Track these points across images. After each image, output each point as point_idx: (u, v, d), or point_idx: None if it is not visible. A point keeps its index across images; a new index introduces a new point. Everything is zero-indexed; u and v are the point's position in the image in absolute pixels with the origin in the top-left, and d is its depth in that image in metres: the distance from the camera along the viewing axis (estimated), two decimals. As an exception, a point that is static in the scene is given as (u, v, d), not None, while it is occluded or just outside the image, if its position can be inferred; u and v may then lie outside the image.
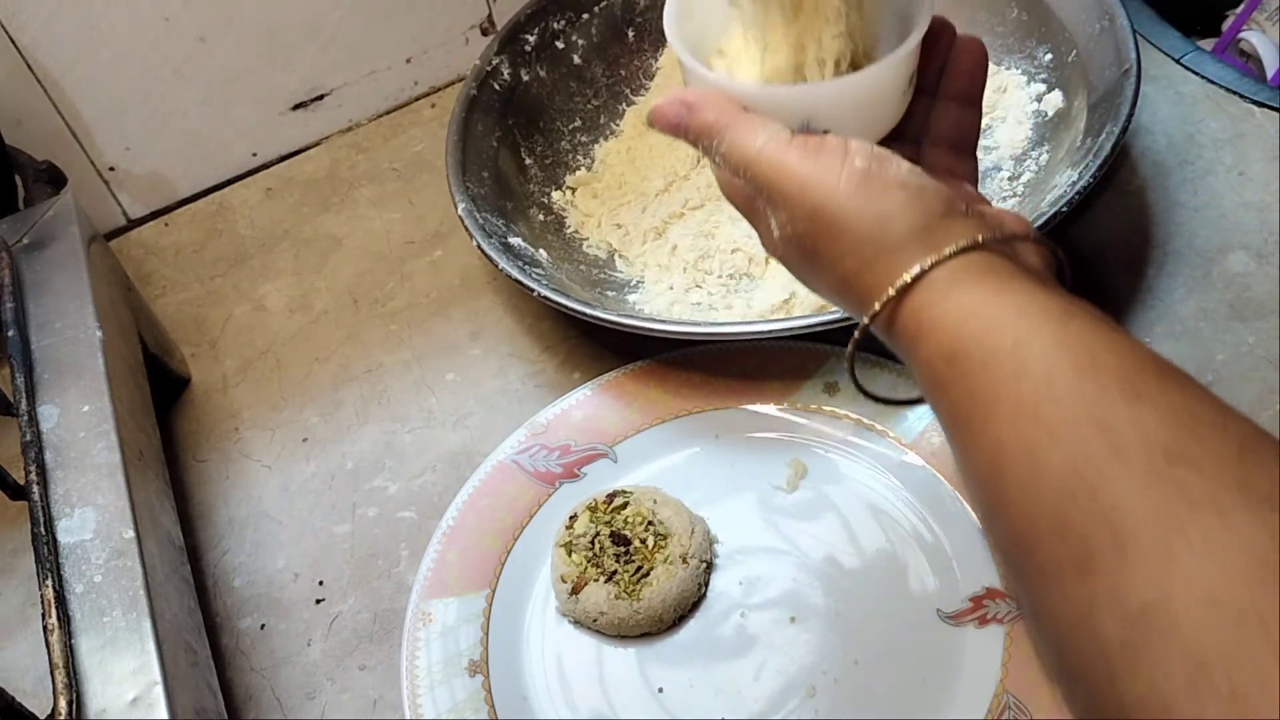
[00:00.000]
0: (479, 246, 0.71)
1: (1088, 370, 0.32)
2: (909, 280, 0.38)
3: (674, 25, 0.46)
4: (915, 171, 0.40)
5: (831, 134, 0.42)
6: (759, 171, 0.41)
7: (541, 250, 0.74)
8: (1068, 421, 0.32)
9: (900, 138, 0.46)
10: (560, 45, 0.85)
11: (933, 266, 0.38)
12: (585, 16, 0.86)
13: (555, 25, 0.85)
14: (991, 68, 0.78)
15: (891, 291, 0.38)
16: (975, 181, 0.47)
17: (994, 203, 0.71)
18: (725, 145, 0.42)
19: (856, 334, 0.41)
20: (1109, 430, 0.31)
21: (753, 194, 0.43)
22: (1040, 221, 0.62)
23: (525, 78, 0.83)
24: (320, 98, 0.91)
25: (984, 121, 0.75)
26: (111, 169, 0.87)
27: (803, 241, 0.41)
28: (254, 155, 0.92)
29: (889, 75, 0.43)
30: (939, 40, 0.44)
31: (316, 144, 0.93)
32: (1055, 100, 0.74)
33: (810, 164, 0.40)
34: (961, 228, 0.39)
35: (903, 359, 0.40)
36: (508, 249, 0.71)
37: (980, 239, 0.38)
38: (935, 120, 0.46)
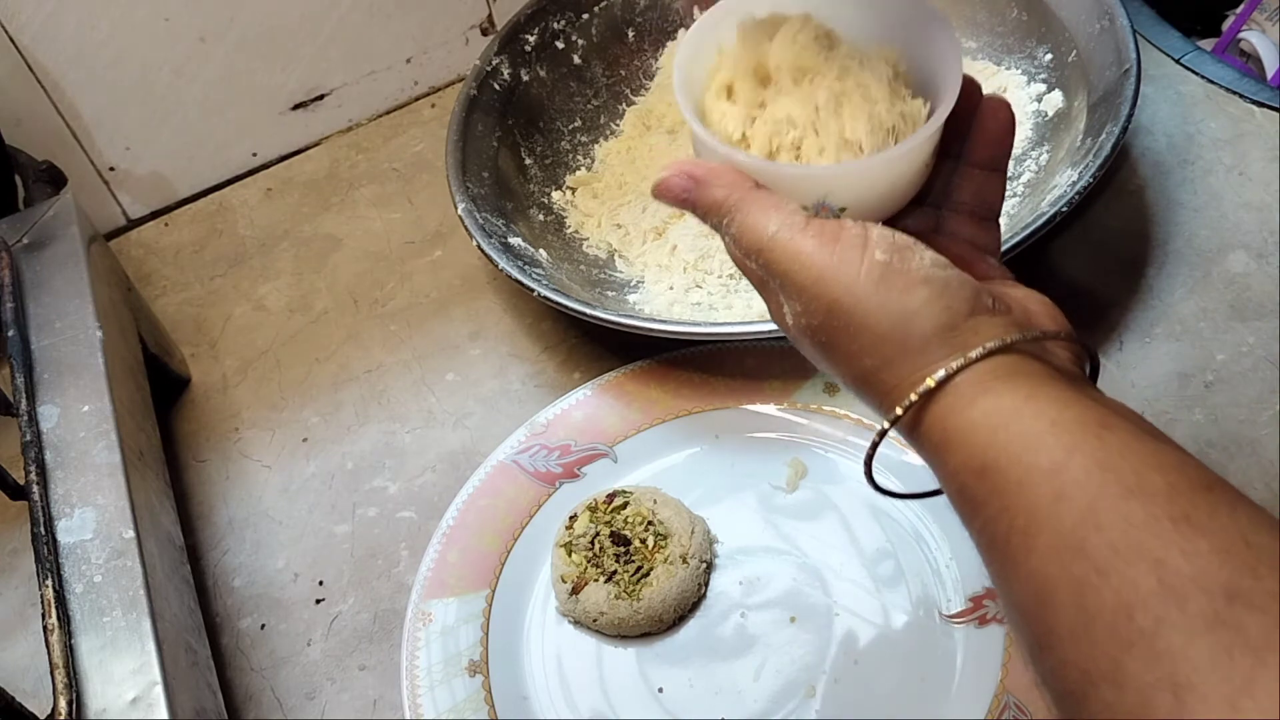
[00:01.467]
0: (479, 246, 0.71)
1: (1134, 493, 0.31)
2: (933, 385, 0.36)
3: (683, 90, 0.42)
4: (939, 263, 0.37)
5: (849, 217, 0.40)
6: (772, 259, 0.38)
7: (541, 250, 0.74)
8: (1116, 555, 0.30)
9: (920, 201, 0.43)
10: (560, 45, 0.85)
11: (959, 370, 0.35)
12: (585, 16, 0.86)
13: (555, 25, 0.85)
14: (992, 67, 0.78)
15: (914, 396, 0.36)
16: (998, 250, 0.44)
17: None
18: (736, 226, 0.39)
19: (875, 437, 0.38)
20: (1162, 566, 0.29)
21: (765, 277, 0.40)
22: (1040, 222, 0.62)
23: (525, 78, 0.83)
24: (320, 98, 0.91)
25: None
26: (111, 169, 0.87)
27: (818, 334, 0.38)
28: (254, 155, 0.92)
29: (911, 156, 0.40)
30: (965, 103, 0.41)
31: (316, 144, 0.93)
32: (1055, 100, 0.74)
33: (827, 255, 0.37)
34: (989, 327, 0.36)
35: (926, 461, 0.37)
36: (508, 249, 0.71)
37: (1008, 340, 0.36)
38: (957, 186, 0.43)
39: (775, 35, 0.42)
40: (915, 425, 0.37)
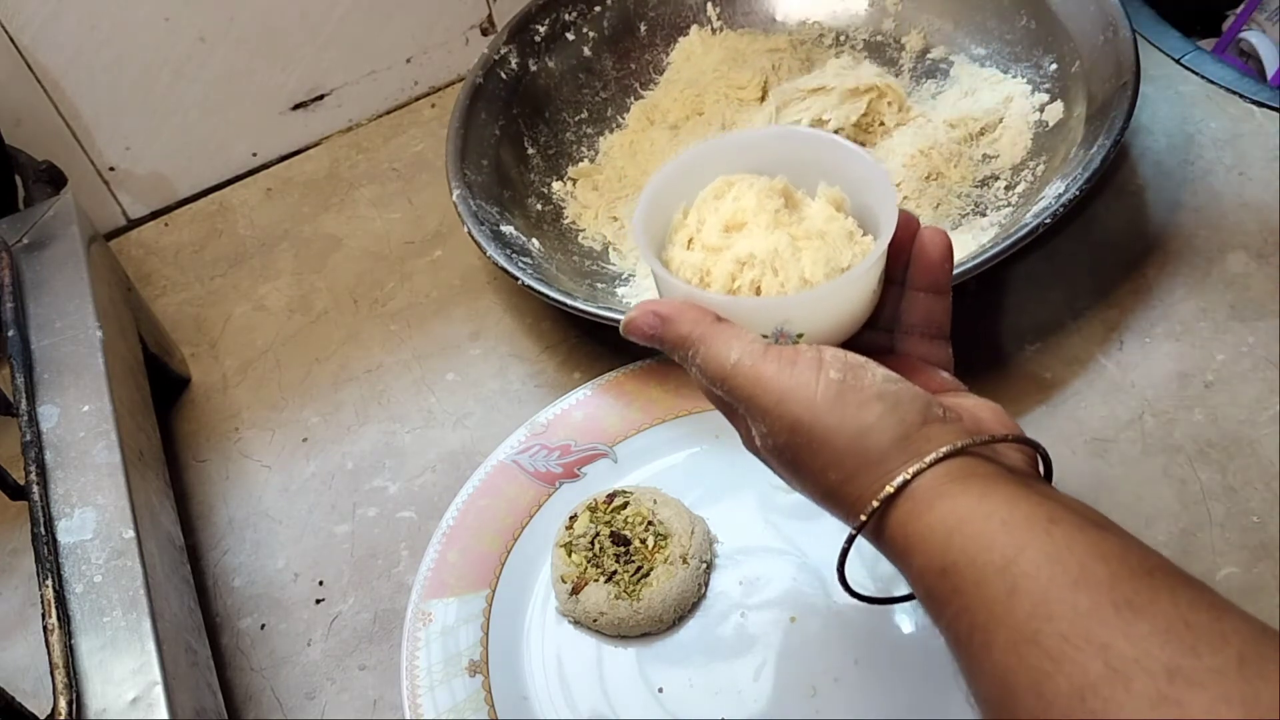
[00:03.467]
0: (469, 233, 0.71)
1: (1080, 584, 0.33)
2: (892, 491, 0.38)
3: (643, 232, 0.45)
4: (891, 379, 0.40)
5: (805, 342, 0.43)
6: (735, 385, 0.41)
7: (534, 240, 0.75)
8: (1067, 643, 0.32)
9: (874, 325, 0.46)
10: (570, 37, 0.85)
11: (914, 476, 0.38)
12: (597, 9, 0.86)
13: (567, 16, 0.85)
14: (998, 75, 0.78)
15: (876, 504, 0.38)
16: (950, 365, 0.46)
17: (988, 212, 0.71)
18: (701, 357, 0.42)
19: (844, 543, 0.41)
20: (1108, 650, 0.31)
21: (731, 403, 0.42)
22: (1023, 233, 0.61)
23: (533, 68, 0.83)
24: (320, 98, 0.91)
25: (989, 129, 0.76)
26: (111, 169, 0.87)
27: (784, 453, 0.41)
28: (254, 155, 0.92)
29: (858, 283, 0.43)
30: (904, 233, 0.44)
31: (316, 144, 0.93)
32: (1056, 111, 0.74)
33: (786, 377, 0.40)
34: (940, 434, 0.39)
35: (894, 564, 0.40)
36: (498, 237, 0.71)
37: (959, 445, 0.38)
38: (905, 309, 0.46)
39: (734, 193, 0.46)
40: (880, 532, 0.39)
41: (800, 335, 0.43)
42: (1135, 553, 0.34)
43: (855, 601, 0.58)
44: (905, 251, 0.45)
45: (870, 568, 0.58)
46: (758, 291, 0.44)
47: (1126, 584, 0.32)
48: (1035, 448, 0.41)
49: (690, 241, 0.46)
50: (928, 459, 0.38)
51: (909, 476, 0.38)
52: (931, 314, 0.46)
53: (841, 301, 0.44)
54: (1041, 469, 0.42)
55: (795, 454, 0.40)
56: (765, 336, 0.42)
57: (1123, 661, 0.30)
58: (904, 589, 0.41)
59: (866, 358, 0.41)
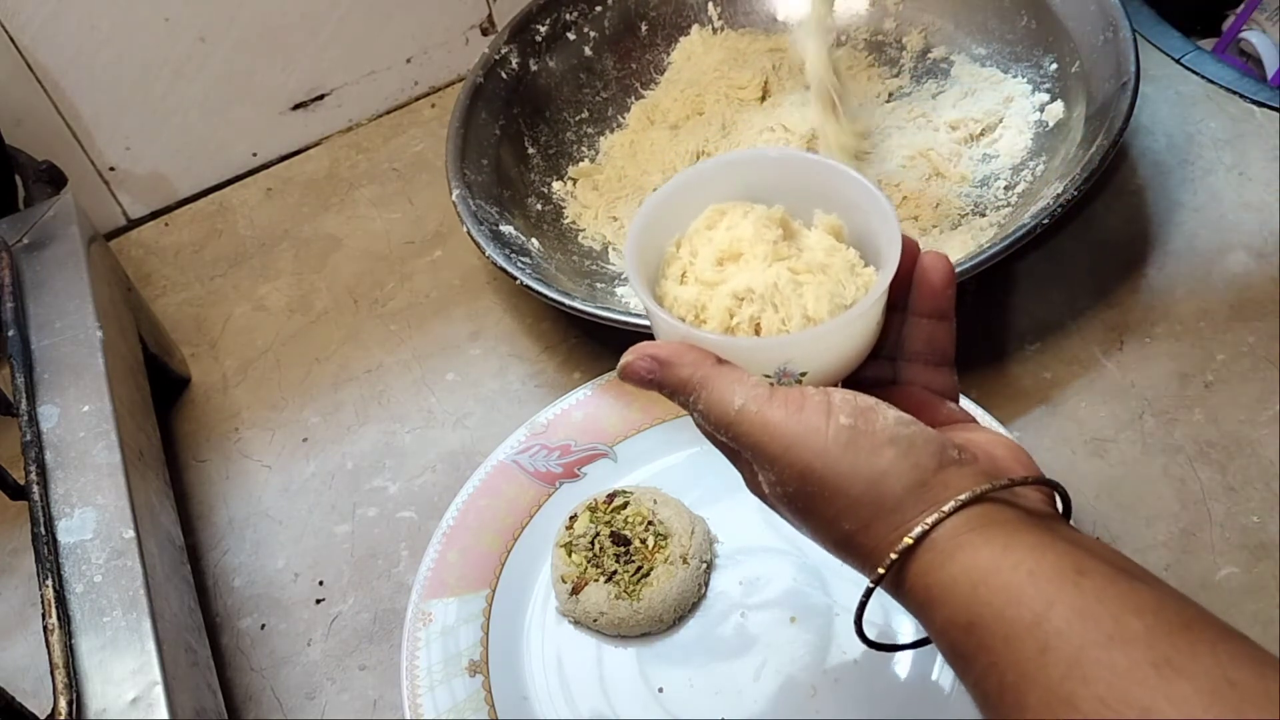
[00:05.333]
0: (469, 233, 0.71)
1: (1115, 641, 0.31)
2: (911, 543, 0.36)
3: (636, 268, 0.43)
4: (903, 420, 0.38)
5: (810, 382, 0.41)
6: (741, 432, 0.39)
7: (534, 240, 0.75)
8: (1105, 707, 0.30)
9: (876, 354, 0.45)
10: (572, 36, 0.85)
11: (934, 526, 0.36)
12: (599, 9, 0.86)
13: (568, 16, 0.85)
14: (998, 75, 0.78)
15: (894, 556, 0.37)
16: (955, 394, 0.45)
17: (987, 212, 0.71)
18: (703, 403, 0.40)
19: (862, 596, 0.39)
20: (1149, 714, 0.30)
21: (737, 449, 0.41)
22: (1022, 234, 0.61)
23: (534, 67, 0.83)
24: (320, 98, 0.91)
25: (990, 130, 0.76)
26: (111, 169, 0.87)
27: (795, 501, 0.39)
28: (254, 155, 0.92)
29: (863, 319, 0.42)
30: (905, 258, 0.42)
31: (316, 144, 0.93)
32: (1056, 111, 0.74)
33: (794, 424, 0.38)
34: (958, 478, 0.37)
35: (914, 616, 0.38)
36: (497, 237, 0.71)
37: (978, 491, 0.37)
38: (909, 337, 0.44)
39: (727, 222, 0.44)
40: (899, 584, 0.37)
41: (804, 374, 0.41)
42: (1170, 604, 0.32)
43: (855, 602, 0.58)
44: (907, 277, 0.43)
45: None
46: (757, 329, 0.42)
47: (1164, 640, 0.31)
48: (1054, 487, 0.40)
49: (684, 275, 0.44)
50: (946, 507, 0.36)
51: (927, 527, 0.36)
52: (934, 340, 0.44)
53: (846, 339, 0.42)
54: (1060, 507, 0.40)
55: (807, 503, 0.39)
56: (767, 377, 0.41)
57: None
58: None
59: (876, 399, 0.39)
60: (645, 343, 0.42)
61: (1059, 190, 0.64)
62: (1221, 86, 0.78)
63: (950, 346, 0.45)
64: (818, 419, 0.38)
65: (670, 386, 0.41)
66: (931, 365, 0.44)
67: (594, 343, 0.73)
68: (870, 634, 0.42)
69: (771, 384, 0.40)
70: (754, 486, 0.42)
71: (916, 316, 0.44)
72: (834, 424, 0.38)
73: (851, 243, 0.45)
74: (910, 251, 0.43)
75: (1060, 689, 0.31)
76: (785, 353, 0.41)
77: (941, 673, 0.55)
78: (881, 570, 0.37)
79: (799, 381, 0.42)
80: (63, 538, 0.54)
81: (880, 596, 0.39)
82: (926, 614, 0.37)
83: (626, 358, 0.42)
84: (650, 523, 0.61)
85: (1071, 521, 0.55)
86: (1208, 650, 0.31)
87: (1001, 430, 0.60)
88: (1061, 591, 0.33)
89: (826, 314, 0.42)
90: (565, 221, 0.79)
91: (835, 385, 0.41)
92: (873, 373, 0.45)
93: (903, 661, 0.56)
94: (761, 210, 0.44)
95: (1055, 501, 0.40)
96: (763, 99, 0.82)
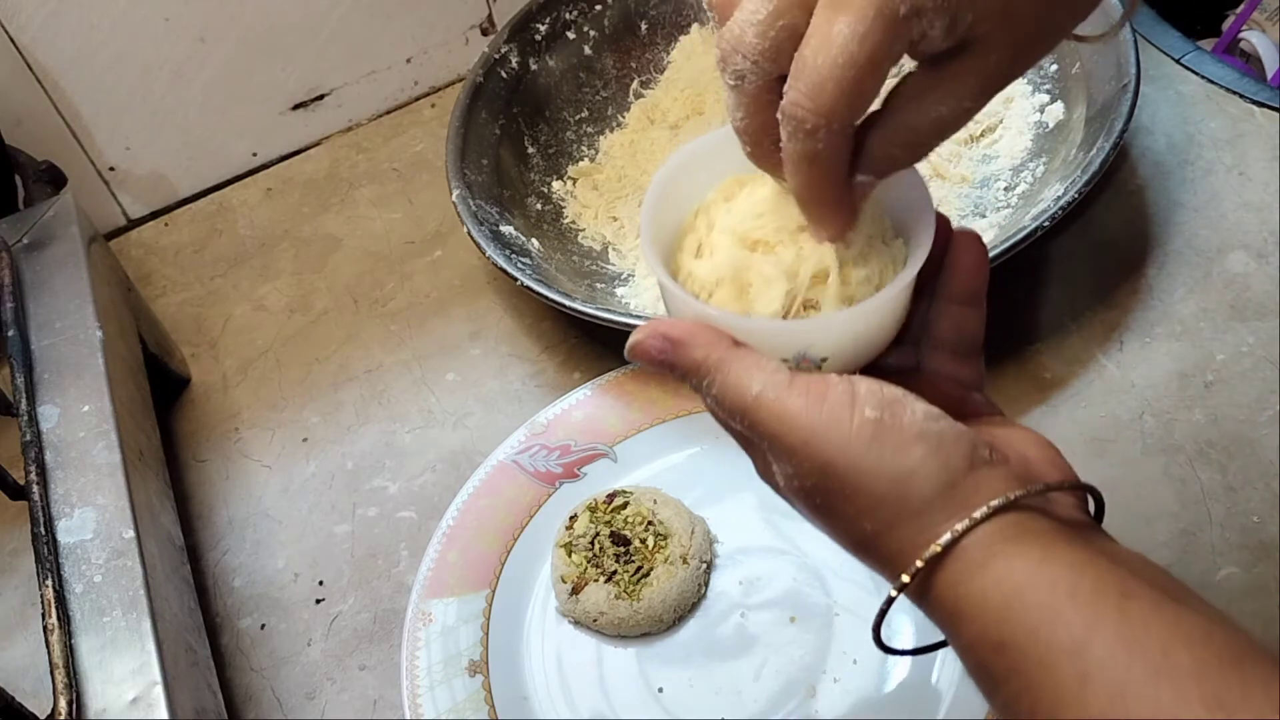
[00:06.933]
0: (468, 232, 0.71)
1: (1162, 673, 0.29)
2: (939, 551, 0.34)
3: (650, 241, 0.41)
4: (932, 415, 0.35)
5: (831, 368, 0.38)
6: (758, 419, 0.36)
7: (534, 240, 0.75)
8: None
9: (899, 340, 0.42)
10: (571, 35, 0.85)
11: (964, 534, 0.34)
12: (598, 7, 0.86)
13: (568, 15, 0.85)
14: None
15: (920, 563, 0.34)
16: (981, 384, 0.42)
17: (988, 214, 0.71)
18: (718, 388, 0.37)
19: (883, 604, 0.37)
20: None
21: (752, 437, 0.38)
22: (1022, 235, 0.61)
23: (534, 67, 0.83)
24: (320, 98, 0.91)
25: (990, 131, 0.76)
26: (111, 169, 0.87)
27: (812, 496, 0.36)
28: (254, 155, 0.92)
29: (890, 304, 0.39)
30: (936, 240, 0.39)
31: (316, 144, 0.93)
32: (1056, 112, 0.73)
33: (816, 415, 0.35)
34: (989, 482, 0.35)
35: (939, 627, 0.36)
36: (497, 237, 0.71)
37: (1012, 497, 0.34)
38: (934, 322, 0.41)
39: (747, 192, 0.41)
40: (924, 592, 0.35)
41: (824, 360, 0.39)
42: (1219, 634, 0.30)
43: (855, 602, 0.58)
44: (937, 260, 0.40)
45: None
46: (796, 307, 0.39)
47: (1215, 675, 0.29)
48: (1090, 491, 0.37)
49: (700, 248, 0.42)
50: (978, 514, 0.34)
51: (957, 534, 0.34)
52: (963, 327, 0.41)
53: (871, 324, 0.39)
54: (1092, 507, 0.38)
55: (825, 499, 0.36)
56: (785, 361, 0.38)
57: None
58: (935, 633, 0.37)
59: (904, 390, 0.36)
60: (658, 320, 0.39)
61: (1059, 192, 0.64)
62: (1221, 86, 0.78)
63: (980, 334, 0.42)
64: (841, 410, 0.35)
65: (682, 368, 0.38)
66: (958, 355, 0.42)
67: (594, 343, 0.73)
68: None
69: (791, 370, 0.37)
70: (767, 476, 0.39)
71: (945, 301, 0.41)
72: (859, 416, 0.35)
73: (877, 212, 0.41)
74: (943, 229, 0.40)
75: None
76: (807, 337, 0.39)
77: (940, 674, 0.55)
78: (906, 578, 0.35)
79: (819, 368, 0.39)
80: (63, 538, 0.54)
81: (880, 584, 0.37)
82: (953, 627, 0.34)
83: (637, 335, 0.39)
84: (650, 523, 0.61)
85: None
86: (1260, 689, 0.29)
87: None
88: (1104, 616, 0.31)
89: (857, 291, 0.39)
90: (565, 221, 0.79)
91: (856, 373, 0.39)
92: (896, 360, 0.42)
93: (902, 662, 0.56)
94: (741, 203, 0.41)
95: (1088, 504, 0.38)
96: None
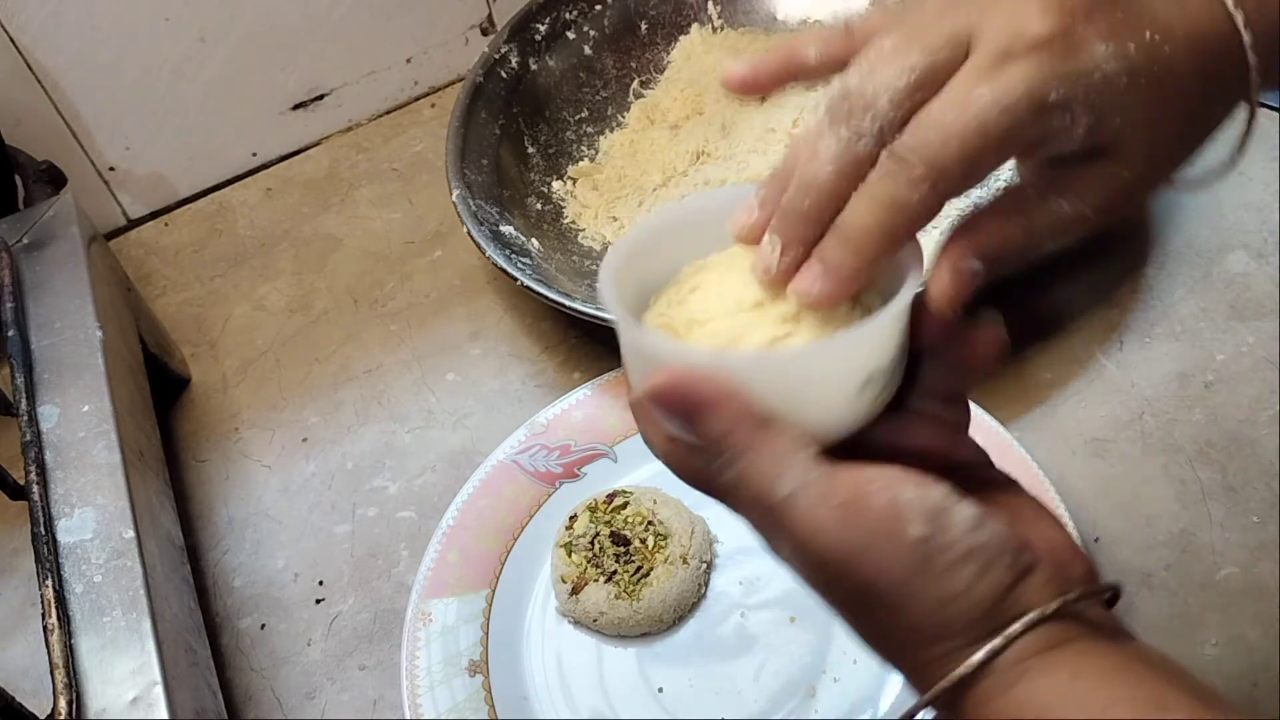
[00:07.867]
0: (468, 232, 0.71)
1: None
2: (973, 668, 0.32)
3: (612, 289, 0.36)
4: (978, 523, 0.32)
5: (878, 486, 0.33)
6: (783, 524, 0.33)
7: (534, 240, 0.75)
8: None
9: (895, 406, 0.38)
10: (571, 35, 0.85)
11: (999, 651, 0.32)
12: (598, 7, 0.86)
13: (567, 15, 0.85)
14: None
15: (946, 684, 0.32)
16: (968, 424, 0.39)
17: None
18: (736, 474, 0.33)
19: (909, 713, 0.34)
20: None
21: (766, 532, 0.34)
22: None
23: (534, 67, 0.83)
24: (320, 98, 0.91)
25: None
26: (111, 169, 0.87)
27: (840, 610, 0.34)
28: (254, 155, 0.92)
29: (893, 324, 0.36)
30: (940, 307, 0.37)
31: (316, 144, 0.93)
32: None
33: (855, 532, 0.32)
34: (1029, 593, 0.32)
35: None
36: (497, 237, 0.72)
37: (1048, 611, 0.32)
38: (928, 376, 0.38)
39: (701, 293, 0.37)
40: (950, 703, 0.33)
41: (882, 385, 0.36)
42: None
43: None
44: (943, 332, 0.37)
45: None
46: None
47: None
48: (1114, 589, 0.35)
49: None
50: (1013, 630, 0.32)
51: (992, 653, 0.32)
52: (955, 380, 0.39)
53: (892, 341, 0.36)
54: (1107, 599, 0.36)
55: (855, 611, 0.34)
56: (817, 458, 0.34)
57: None
58: None
59: (943, 488, 0.33)
60: (675, 370, 0.34)
61: None
62: (1221, 86, 0.77)
63: (970, 385, 0.39)
64: (885, 526, 0.32)
65: (700, 437, 0.34)
66: (948, 400, 0.39)
67: (594, 343, 0.73)
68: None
69: (828, 465, 0.33)
70: (778, 553, 0.35)
71: (945, 361, 0.38)
72: (906, 538, 0.32)
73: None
74: (947, 299, 0.36)
75: None
76: (867, 359, 0.35)
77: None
78: (931, 695, 0.32)
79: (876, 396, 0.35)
80: (63, 538, 0.54)
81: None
82: None
83: (658, 381, 0.34)
84: (650, 523, 0.61)
85: (1071, 525, 0.55)
86: None
87: (1000, 430, 0.60)
88: None
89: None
90: (565, 221, 0.79)
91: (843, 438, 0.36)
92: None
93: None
94: (744, 265, 0.36)
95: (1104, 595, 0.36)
96: (763, 99, 0.82)
